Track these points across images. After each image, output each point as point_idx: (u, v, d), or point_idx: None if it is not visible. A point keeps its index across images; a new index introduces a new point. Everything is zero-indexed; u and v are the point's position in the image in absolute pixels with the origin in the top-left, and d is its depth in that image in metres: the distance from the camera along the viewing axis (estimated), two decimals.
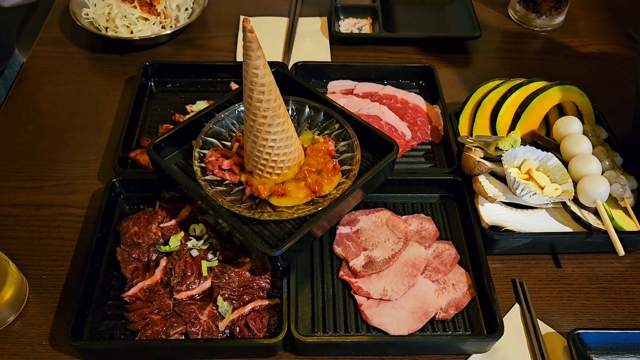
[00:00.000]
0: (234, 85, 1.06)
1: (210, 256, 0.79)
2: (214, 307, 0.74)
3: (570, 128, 0.91)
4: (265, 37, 1.21)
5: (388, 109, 1.01)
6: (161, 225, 0.83)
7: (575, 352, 0.72)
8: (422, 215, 0.88)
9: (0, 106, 1.04)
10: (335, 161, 0.80)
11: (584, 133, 0.92)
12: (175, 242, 0.80)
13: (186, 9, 1.21)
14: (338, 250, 0.82)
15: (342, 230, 0.85)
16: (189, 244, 0.80)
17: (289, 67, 1.10)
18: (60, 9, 1.25)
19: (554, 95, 0.96)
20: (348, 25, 1.25)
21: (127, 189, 0.87)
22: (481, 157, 0.87)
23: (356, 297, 0.78)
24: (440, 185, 0.91)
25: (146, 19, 1.15)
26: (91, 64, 1.12)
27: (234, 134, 0.84)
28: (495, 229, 0.84)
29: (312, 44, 1.20)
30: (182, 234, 0.81)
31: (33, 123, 1.01)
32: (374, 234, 0.84)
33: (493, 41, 1.24)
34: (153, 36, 1.13)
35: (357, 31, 1.23)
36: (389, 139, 0.81)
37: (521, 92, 0.97)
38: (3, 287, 0.73)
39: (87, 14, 1.16)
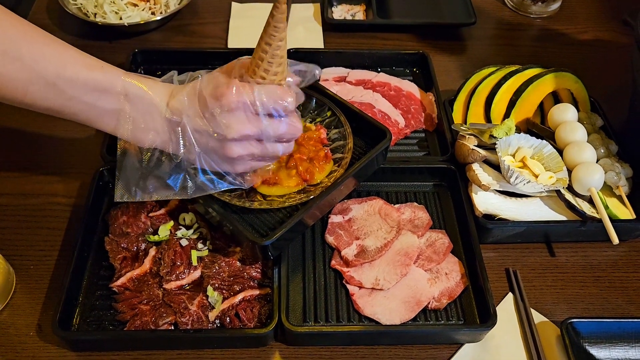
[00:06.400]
0: None
1: (200, 246, 0.78)
2: (203, 297, 0.73)
3: (565, 115, 0.91)
4: (257, 24, 1.18)
5: (381, 96, 1.00)
6: (150, 214, 0.82)
7: (568, 341, 0.71)
8: (415, 203, 0.87)
9: None
10: (327, 149, 0.78)
11: (579, 120, 0.91)
12: (164, 231, 0.79)
13: None
14: (330, 239, 0.81)
15: (334, 219, 0.84)
16: (179, 233, 0.79)
17: None
18: None
19: (549, 83, 0.95)
20: (341, 12, 1.23)
21: (115, 177, 0.86)
22: (475, 145, 0.86)
23: (348, 286, 0.77)
24: (434, 174, 0.90)
25: (135, 5, 1.13)
26: None
27: None
28: (489, 217, 0.83)
29: (305, 30, 1.18)
30: (171, 223, 0.80)
31: (20, 111, 0.99)
32: (366, 223, 0.83)
33: (488, 28, 1.23)
34: (142, 22, 1.11)
35: (350, 18, 1.22)
36: (382, 126, 0.80)
37: (516, 79, 0.96)
38: None
39: (75, 0, 1.13)
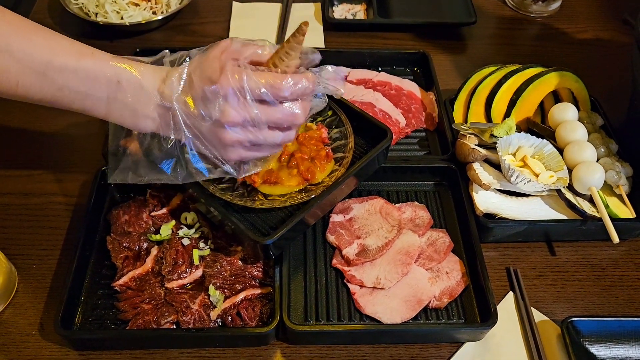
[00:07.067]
0: None
1: (201, 245, 0.79)
2: (205, 296, 0.74)
3: (565, 115, 0.91)
4: (258, 23, 1.19)
5: (382, 95, 1.00)
6: (152, 213, 0.82)
7: (569, 340, 0.71)
8: (416, 203, 0.87)
9: None
10: (328, 148, 0.79)
11: (580, 120, 0.91)
12: (166, 230, 0.79)
13: None
14: (331, 238, 0.82)
15: (335, 218, 0.84)
16: (180, 232, 0.79)
17: None
18: None
19: (549, 82, 0.95)
20: (342, 11, 1.23)
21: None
22: (476, 144, 0.86)
23: (349, 285, 0.77)
24: (435, 173, 0.90)
25: (137, 4, 1.13)
26: None
27: None
28: (490, 216, 0.83)
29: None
30: (173, 222, 0.80)
31: (22, 110, 1.00)
32: (367, 222, 0.83)
33: (488, 27, 1.23)
34: (144, 22, 1.11)
35: (351, 17, 1.22)
36: (383, 125, 0.81)
37: (516, 78, 0.96)
38: None
39: (76, 0, 1.14)
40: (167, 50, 0.70)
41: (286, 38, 0.65)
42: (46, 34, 0.62)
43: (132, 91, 0.64)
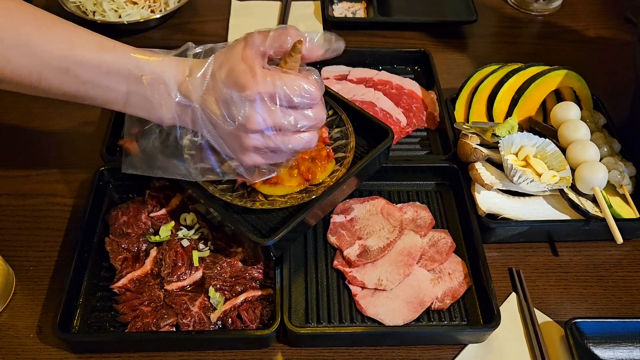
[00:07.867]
0: None
1: (201, 246, 0.78)
2: (205, 298, 0.73)
3: (568, 114, 0.90)
4: (257, 21, 1.18)
5: (383, 94, 1.00)
6: (151, 214, 0.81)
7: (572, 341, 0.71)
8: (418, 203, 0.86)
9: None
10: (328, 148, 0.78)
11: (582, 119, 0.91)
12: (165, 232, 0.79)
13: None
14: (332, 239, 0.81)
15: (336, 219, 0.83)
16: (180, 233, 0.79)
17: None
18: None
19: (551, 81, 0.94)
20: (342, 9, 1.22)
21: (115, 177, 0.85)
22: (477, 144, 0.85)
23: (350, 287, 0.77)
24: (436, 173, 0.89)
25: (135, 3, 1.12)
26: None
27: None
28: (492, 216, 0.82)
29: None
30: (172, 223, 0.80)
31: (19, 111, 0.99)
32: (368, 223, 0.82)
33: (490, 26, 1.22)
34: (142, 20, 1.10)
35: (351, 15, 1.21)
36: (384, 125, 0.80)
37: (518, 77, 0.95)
38: None
39: None
40: (191, 43, 0.68)
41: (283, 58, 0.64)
42: (66, 26, 0.61)
43: (154, 84, 0.62)
